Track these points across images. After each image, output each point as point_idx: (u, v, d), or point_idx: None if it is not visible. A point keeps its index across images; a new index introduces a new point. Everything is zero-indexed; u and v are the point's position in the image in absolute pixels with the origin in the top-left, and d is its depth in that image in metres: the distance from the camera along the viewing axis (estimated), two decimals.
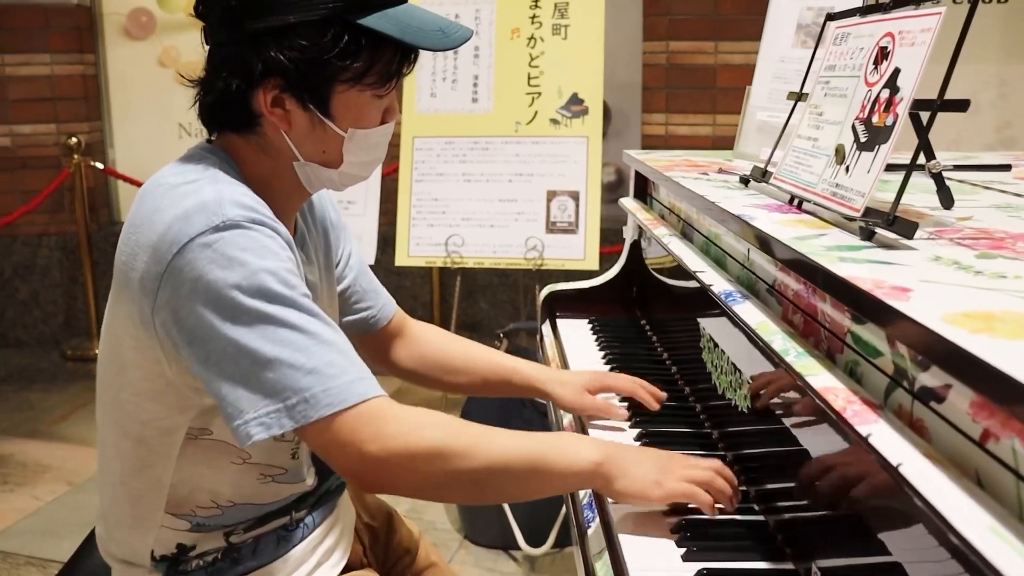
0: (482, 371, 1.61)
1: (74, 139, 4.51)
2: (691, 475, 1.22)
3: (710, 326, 1.57)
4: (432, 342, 1.62)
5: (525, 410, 2.80)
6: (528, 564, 2.79)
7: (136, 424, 1.21)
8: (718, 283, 1.42)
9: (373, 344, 1.59)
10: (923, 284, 0.93)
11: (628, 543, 1.20)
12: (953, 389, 0.83)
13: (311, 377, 1.07)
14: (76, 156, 4.49)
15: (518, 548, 2.74)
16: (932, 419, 0.87)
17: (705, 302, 1.65)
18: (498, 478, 1.16)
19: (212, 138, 1.25)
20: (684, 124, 4.36)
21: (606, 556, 1.21)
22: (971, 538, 0.69)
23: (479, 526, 2.89)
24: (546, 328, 2.21)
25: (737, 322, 1.29)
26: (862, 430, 0.87)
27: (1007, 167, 1.72)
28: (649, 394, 1.59)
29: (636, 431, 1.54)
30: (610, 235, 3.44)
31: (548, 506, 2.72)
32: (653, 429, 1.54)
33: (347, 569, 1.39)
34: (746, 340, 1.30)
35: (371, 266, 1.64)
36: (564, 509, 2.69)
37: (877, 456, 0.83)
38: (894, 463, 0.80)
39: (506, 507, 2.71)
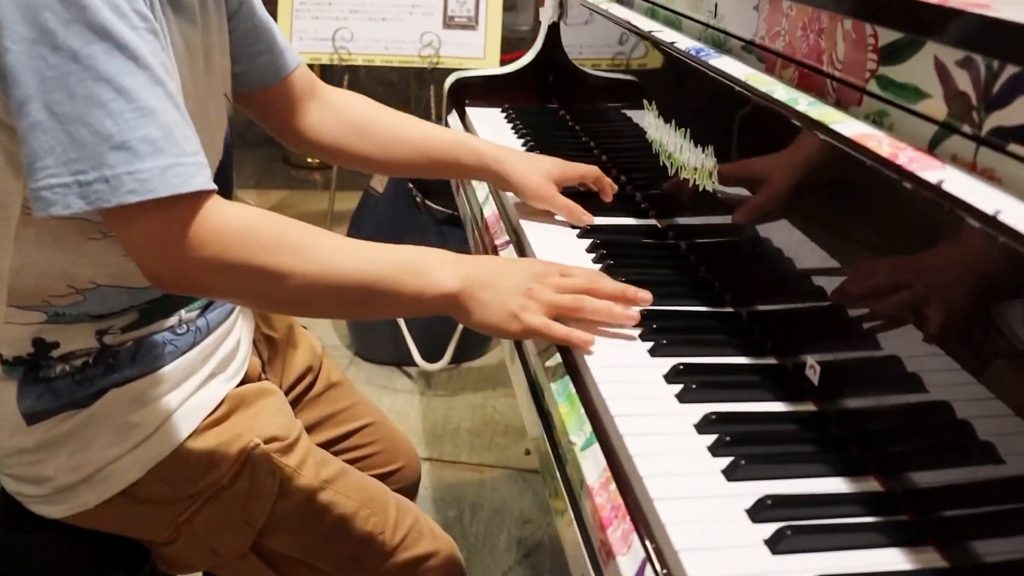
0: (424, 144, 1.33)
1: None
2: (559, 301, 1.01)
3: (658, 100, 1.36)
4: (358, 106, 1.34)
5: (421, 216, 2.58)
6: (424, 380, 2.63)
7: None
8: (682, 40, 1.20)
9: (275, 104, 1.27)
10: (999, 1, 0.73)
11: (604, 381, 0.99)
12: None
13: (118, 153, 0.82)
14: None
15: (413, 364, 2.57)
16: (1007, 163, 0.69)
17: (640, 83, 1.44)
18: (324, 298, 0.97)
19: None
20: None
21: (557, 358, 1.02)
22: None
23: (371, 343, 2.70)
24: (453, 119, 1.97)
25: (716, 81, 1.08)
26: (929, 177, 0.68)
27: None
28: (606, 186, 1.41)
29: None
30: (503, 45, 3.17)
31: (445, 321, 2.54)
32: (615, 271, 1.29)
33: (244, 384, 1.16)
34: (725, 102, 1.09)
35: None
36: (459, 328, 2.52)
37: (960, 206, 0.65)
38: (990, 212, 0.62)
39: (401, 323, 2.52)
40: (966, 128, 0.74)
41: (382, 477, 1.36)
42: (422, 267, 0.99)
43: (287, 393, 1.30)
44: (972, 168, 0.73)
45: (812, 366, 0.92)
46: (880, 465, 0.82)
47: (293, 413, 1.21)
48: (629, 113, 1.48)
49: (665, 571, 0.72)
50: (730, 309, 1.10)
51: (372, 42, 2.97)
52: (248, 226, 0.90)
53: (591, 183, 1.39)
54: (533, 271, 1.03)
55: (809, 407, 0.91)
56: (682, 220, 1.29)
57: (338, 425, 1.38)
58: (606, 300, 1.03)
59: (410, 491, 1.46)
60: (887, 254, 0.81)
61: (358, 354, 2.73)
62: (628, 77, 1.55)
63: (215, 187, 0.88)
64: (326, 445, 1.31)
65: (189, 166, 0.85)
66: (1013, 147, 0.69)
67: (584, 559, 0.82)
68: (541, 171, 1.33)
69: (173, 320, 1.06)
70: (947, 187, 0.66)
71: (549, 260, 1.13)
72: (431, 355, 2.55)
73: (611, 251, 1.22)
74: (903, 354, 0.77)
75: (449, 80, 2.03)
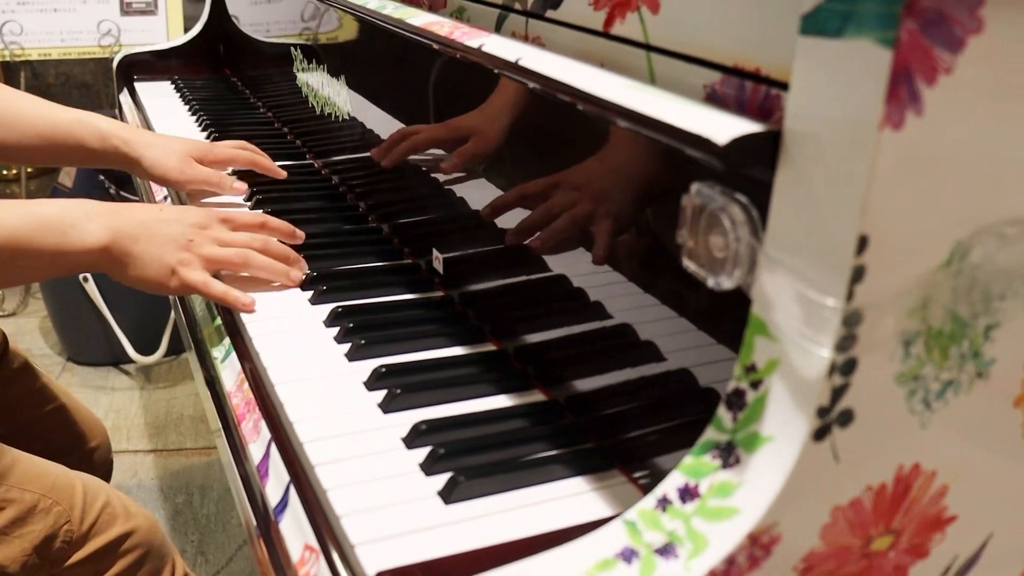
0: (42, 125, 1.20)
1: None
2: (221, 255, 0.96)
3: (311, 58, 1.39)
4: None
5: None
6: (143, 375, 2.55)
7: None
8: None
9: None
10: None
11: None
12: None
13: None
14: None
15: (130, 361, 2.49)
16: (550, 30, 0.77)
17: (305, 46, 1.47)
18: None
19: None
20: None
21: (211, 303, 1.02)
22: (608, 95, 0.58)
23: (82, 344, 2.59)
24: (124, 98, 1.93)
25: (347, 12, 1.12)
26: (472, 43, 0.75)
27: None
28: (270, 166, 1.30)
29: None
30: (189, 23, 3.11)
31: (157, 312, 2.49)
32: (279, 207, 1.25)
33: None
34: (356, 33, 1.14)
35: None
36: (173, 314, 2.47)
37: (492, 59, 0.71)
38: (512, 59, 0.68)
39: (110, 318, 2.44)
40: (517, 5, 0.81)
41: (78, 460, 1.29)
42: (64, 223, 0.91)
43: None
44: (525, 38, 0.80)
45: (437, 258, 0.97)
46: (497, 331, 0.89)
47: None
48: (291, 71, 1.50)
49: (284, 440, 0.75)
50: (373, 224, 1.14)
51: (46, 35, 2.84)
52: None
53: (248, 166, 1.29)
54: (192, 220, 0.97)
55: (437, 294, 0.97)
56: (333, 156, 1.33)
57: (24, 411, 1.31)
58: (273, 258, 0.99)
59: (105, 470, 1.42)
60: (471, 130, 0.87)
61: (71, 359, 2.63)
62: (293, 40, 1.56)
63: None
64: (12, 434, 1.24)
65: None
66: (550, 13, 0.76)
67: (232, 467, 0.84)
68: (180, 152, 1.22)
69: None
70: (486, 48, 0.73)
71: (210, 209, 1.04)
72: (146, 348, 2.48)
73: (262, 191, 1.24)
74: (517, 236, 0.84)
75: (117, 58, 1.98)
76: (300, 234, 1.05)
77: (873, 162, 0.45)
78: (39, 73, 3.74)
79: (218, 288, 0.94)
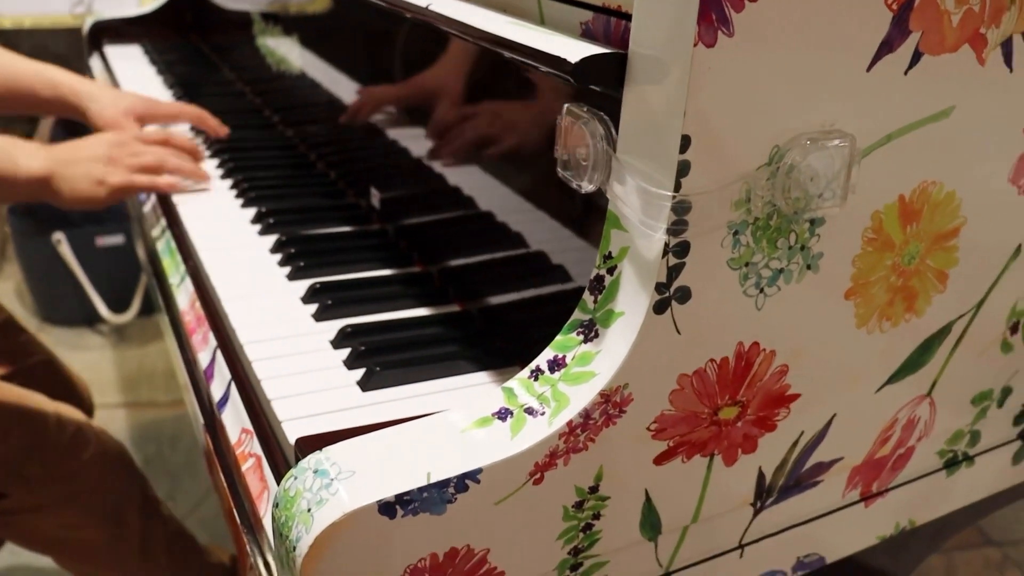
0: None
1: None
2: (139, 162, 1.12)
3: (269, 21, 1.48)
4: None
5: None
6: (116, 334, 2.64)
7: None
8: None
9: None
10: None
11: (197, 228, 1.08)
12: None
13: None
14: None
15: (103, 321, 2.58)
16: None
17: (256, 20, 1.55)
18: None
19: None
20: None
21: (163, 221, 1.12)
22: (498, 31, 0.68)
23: (54, 304, 2.67)
24: (95, 61, 2.01)
25: None
26: None
27: None
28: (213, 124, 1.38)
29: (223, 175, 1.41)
30: None
31: (128, 270, 2.57)
32: (239, 155, 1.34)
33: None
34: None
35: None
36: (144, 277, 2.56)
37: (407, 6, 0.81)
38: (423, 4, 0.78)
39: (83, 278, 2.52)
40: None
41: None
42: (12, 152, 1.05)
43: None
44: None
45: (375, 196, 1.07)
46: (423, 255, 0.98)
47: None
48: (252, 34, 1.59)
49: (228, 345, 0.85)
50: (321, 169, 1.24)
51: (19, 3, 2.91)
52: None
53: (193, 122, 1.37)
54: (111, 139, 1.12)
55: (374, 226, 1.07)
56: (288, 111, 1.42)
57: (10, 363, 1.37)
58: (185, 154, 1.17)
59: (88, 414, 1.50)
60: (399, 76, 0.97)
61: (45, 319, 2.71)
62: (260, 8, 1.65)
63: None
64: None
65: None
66: None
67: (184, 377, 0.94)
68: (120, 105, 1.30)
69: None
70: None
71: (123, 131, 1.20)
72: (119, 307, 2.57)
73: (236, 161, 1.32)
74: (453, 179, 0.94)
75: (87, 23, 2.06)
76: (203, 152, 1.23)
77: (690, 74, 0.55)
78: (14, 44, 3.79)
79: (142, 179, 1.10)
